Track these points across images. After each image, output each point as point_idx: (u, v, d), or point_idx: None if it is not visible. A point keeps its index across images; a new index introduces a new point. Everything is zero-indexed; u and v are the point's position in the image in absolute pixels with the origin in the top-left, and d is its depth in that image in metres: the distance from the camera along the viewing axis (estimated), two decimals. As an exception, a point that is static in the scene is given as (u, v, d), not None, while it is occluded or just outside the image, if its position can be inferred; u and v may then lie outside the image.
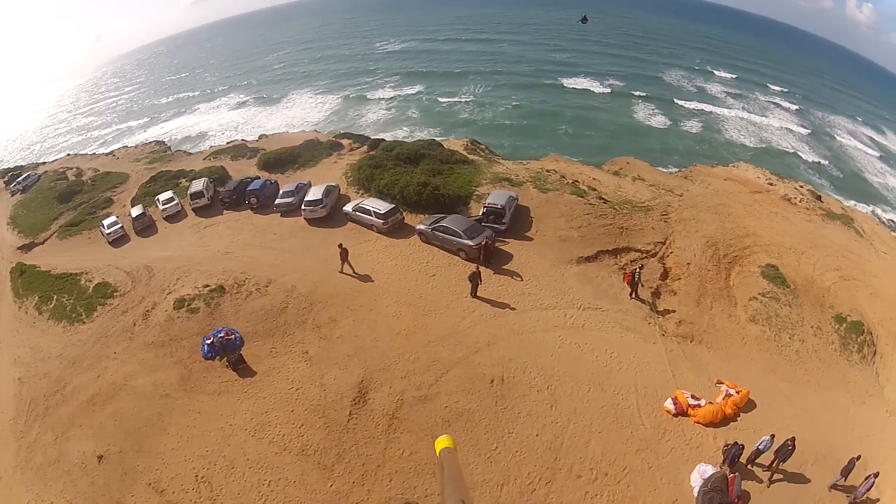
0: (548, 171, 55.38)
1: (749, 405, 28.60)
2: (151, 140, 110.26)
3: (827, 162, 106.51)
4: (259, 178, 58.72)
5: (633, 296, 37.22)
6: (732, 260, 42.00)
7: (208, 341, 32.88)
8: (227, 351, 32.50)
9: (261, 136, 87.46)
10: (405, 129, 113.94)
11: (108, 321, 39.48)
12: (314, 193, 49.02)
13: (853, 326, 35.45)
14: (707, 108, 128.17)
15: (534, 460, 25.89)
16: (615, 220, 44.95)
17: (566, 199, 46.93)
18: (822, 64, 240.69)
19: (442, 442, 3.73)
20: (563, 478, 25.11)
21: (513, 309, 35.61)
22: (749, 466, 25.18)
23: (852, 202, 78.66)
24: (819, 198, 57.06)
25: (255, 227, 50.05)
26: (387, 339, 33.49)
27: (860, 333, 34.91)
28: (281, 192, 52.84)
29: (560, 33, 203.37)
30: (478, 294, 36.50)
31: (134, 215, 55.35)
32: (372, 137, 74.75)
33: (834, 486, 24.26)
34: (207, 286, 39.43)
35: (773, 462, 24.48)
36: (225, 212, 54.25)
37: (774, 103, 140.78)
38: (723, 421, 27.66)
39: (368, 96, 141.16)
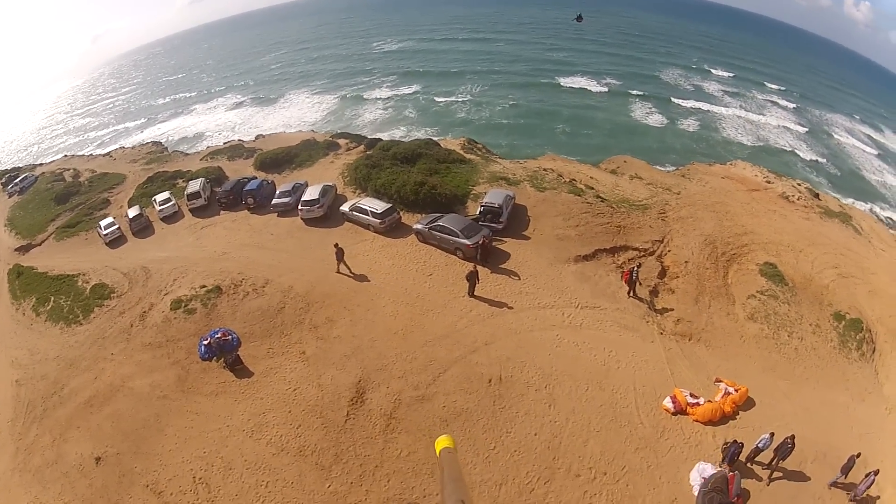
0: (545, 169, 55.31)
1: (748, 403, 28.52)
2: (148, 141, 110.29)
3: (825, 160, 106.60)
4: (256, 178, 58.63)
5: (631, 294, 37.14)
6: (730, 258, 41.95)
7: (205, 342, 32.87)
8: (224, 352, 32.46)
9: (257, 137, 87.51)
10: (402, 128, 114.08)
11: (106, 322, 39.33)
12: (311, 193, 48.88)
13: (852, 324, 35.41)
14: (704, 106, 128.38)
15: (532, 460, 25.79)
16: (613, 218, 44.88)
17: (563, 197, 46.85)
18: (820, 62, 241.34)
19: (442, 442, 3.70)
20: (561, 477, 25.02)
21: (510, 308, 35.49)
22: (748, 465, 25.09)
23: (850, 200, 78.58)
24: (817, 196, 57.06)
25: (252, 227, 49.94)
26: (384, 339, 33.37)
27: (859, 331, 34.88)
28: (278, 192, 52.64)
29: (557, 32, 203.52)
30: (475, 293, 36.37)
31: (131, 216, 55.13)
32: (369, 137, 74.78)
33: (834, 484, 24.19)
34: (204, 287, 39.29)
35: (772, 460, 24.39)
36: (222, 212, 54.13)
37: (772, 101, 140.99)
38: (722, 419, 27.58)
39: (365, 96, 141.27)
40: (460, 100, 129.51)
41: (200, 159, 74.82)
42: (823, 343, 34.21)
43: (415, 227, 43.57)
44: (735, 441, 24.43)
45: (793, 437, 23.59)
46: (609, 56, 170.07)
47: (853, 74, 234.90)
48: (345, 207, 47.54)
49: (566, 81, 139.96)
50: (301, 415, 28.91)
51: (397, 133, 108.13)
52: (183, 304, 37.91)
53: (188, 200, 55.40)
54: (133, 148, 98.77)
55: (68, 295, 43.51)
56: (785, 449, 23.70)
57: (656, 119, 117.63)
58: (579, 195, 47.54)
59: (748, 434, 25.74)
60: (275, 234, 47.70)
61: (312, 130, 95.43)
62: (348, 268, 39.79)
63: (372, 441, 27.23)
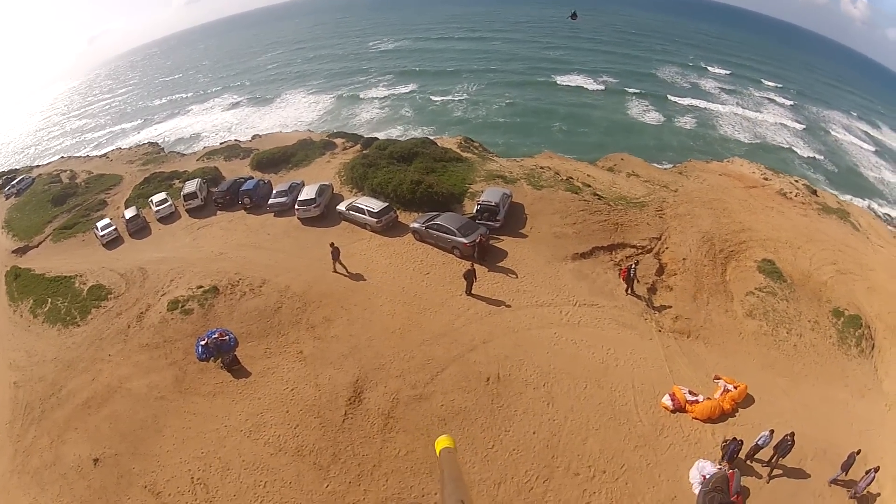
0: (542, 167, 55.22)
1: (747, 400, 28.49)
2: (145, 142, 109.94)
3: (822, 157, 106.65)
4: (252, 178, 58.57)
5: (629, 292, 37.11)
6: (728, 255, 41.92)
7: (202, 342, 32.78)
8: (222, 352, 32.38)
9: (254, 137, 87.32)
10: (399, 127, 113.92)
11: (103, 324, 39.22)
12: (308, 193, 48.83)
13: (851, 320, 35.38)
14: (701, 104, 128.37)
15: (531, 458, 25.73)
16: (610, 216, 44.83)
17: (560, 195, 46.80)
18: (817, 59, 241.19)
19: (442, 442, 3.70)
20: (560, 476, 24.96)
21: (508, 306, 35.43)
22: (748, 462, 25.04)
23: (848, 197, 78.54)
24: (815, 192, 57.03)
25: (249, 227, 49.83)
26: (381, 338, 33.30)
27: (858, 327, 34.84)
28: (274, 191, 52.53)
29: (553, 31, 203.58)
30: (473, 292, 36.31)
31: (127, 217, 55.00)
32: (365, 136, 74.58)
33: (834, 481, 24.15)
34: (201, 287, 39.20)
35: (772, 457, 24.36)
36: (218, 212, 54.03)
37: (769, 99, 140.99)
38: (721, 416, 27.53)
39: (362, 95, 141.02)
40: (457, 99, 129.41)
41: (197, 160, 74.62)
42: (822, 340, 34.18)
43: (412, 225, 43.48)
44: (734, 438, 24.41)
45: (792, 434, 23.55)
46: (605, 54, 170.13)
47: (850, 71, 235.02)
48: (341, 207, 47.43)
49: (562, 80, 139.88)
50: (299, 415, 28.83)
51: (394, 132, 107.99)
52: (180, 305, 37.82)
53: (185, 201, 55.29)
54: (130, 149, 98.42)
55: (65, 296, 43.37)
56: (785, 446, 23.66)
57: (653, 117, 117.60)
58: (576, 193, 47.47)
59: (748, 431, 25.69)
60: (271, 234, 47.59)
61: (309, 130, 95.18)
62: (344, 267, 39.75)
63: (370, 440, 27.16)
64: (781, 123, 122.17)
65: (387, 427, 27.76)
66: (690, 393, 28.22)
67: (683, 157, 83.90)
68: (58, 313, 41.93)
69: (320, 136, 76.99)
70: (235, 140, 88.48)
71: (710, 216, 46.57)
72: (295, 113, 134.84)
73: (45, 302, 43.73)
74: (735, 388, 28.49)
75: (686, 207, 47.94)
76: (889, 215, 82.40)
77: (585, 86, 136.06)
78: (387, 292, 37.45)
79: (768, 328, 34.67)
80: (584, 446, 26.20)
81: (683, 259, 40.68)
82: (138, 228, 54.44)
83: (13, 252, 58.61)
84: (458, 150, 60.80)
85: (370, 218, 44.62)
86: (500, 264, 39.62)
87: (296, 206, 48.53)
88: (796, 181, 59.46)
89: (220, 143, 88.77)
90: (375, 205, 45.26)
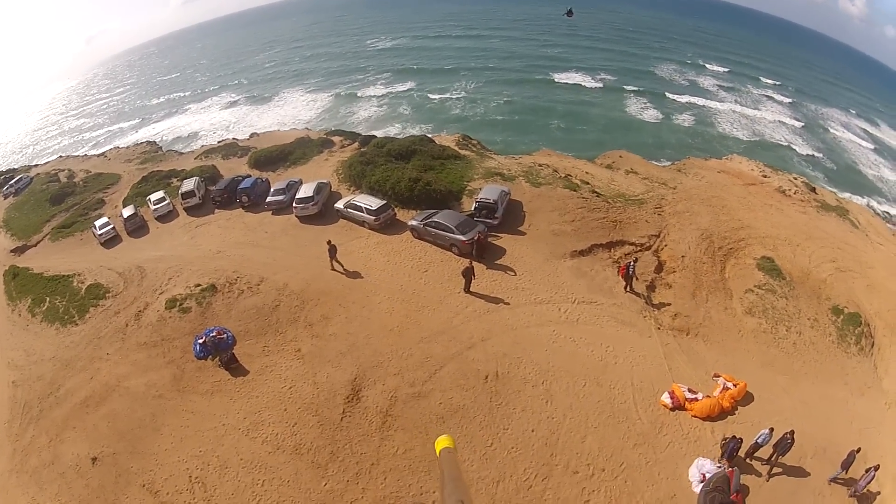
0: (540, 165, 55.11)
1: (747, 398, 28.43)
2: (143, 141, 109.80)
3: (821, 154, 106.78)
4: (250, 176, 58.51)
5: (628, 289, 37.07)
6: (727, 252, 41.87)
7: (200, 341, 32.71)
8: (220, 350, 32.31)
9: (252, 135, 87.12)
10: (397, 125, 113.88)
11: (101, 322, 39.18)
12: (305, 191, 48.73)
13: (850, 318, 35.34)
14: (699, 101, 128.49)
15: (530, 456, 25.67)
16: (609, 213, 44.77)
17: (559, 193, 46.72)
18: (815, 57, 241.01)
19: (442, 442, 3.71)
20: (559, 474, 24.89)
21: (506, 304, 35.35)
22: (748, 460, 24.97)
23: (847, 194, 78.55)
24: (813, 190, 56.93)
25: (247, 225, 49.74)
26: (379, 336, 33.22)
27: (857, 325, 34.80)
28: (272, 189, 52.53)
29: (551, 29, 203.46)
30: (471, 289, 36.23)
31: (125, 216, 54.92)
32: (363, 134, 74.46)
33: (834, 480, 24.09)
34: (199, 285, 39.14)
35: (772, 456, 24.29)
36: (216, 211, 53.91)
37: (767, 96, 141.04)
38: (720, 414, 27.45)
39: (359, 94, 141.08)
40: (455, 97, 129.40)
41: (195, 158, 74.53)
42: (822, 337, 34.15)
43: (410, 223, 43.38)
44: (734, 436, 24.34)
45: (792, 432, 23.49)
46: (603, 52, 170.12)
47: (849, 69, 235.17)
48: (339, 205, 47.31)
49: (560, 77, 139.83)
50: (297, 413, 28.77)
51: (392, 130, 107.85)
52: (178, 303, 37.78)
53: (183, 199, 55.25)
54: (128, 148, 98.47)
55: (64, 295, 43.33)
56: (784, 444, 23.60)
57: (651, 114, 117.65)
58: (575, 190, 47.38)
59: (747, 429, 25.63)
60: (269, 232, 47.51)
61: (307, 128, 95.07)
62: (341, 264, 39.69)
63: (368, 439, 27.09)
64: (780, 121, 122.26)
65: (385, 425, 27.69)
66: (690, 391, 28.16)
67: (682, 154, 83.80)
68: (56, 312, 41.89)
69: (318, 134, 76.90)
70: (233, 138, 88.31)
71: (708, 213, 46.52)
72: (293, 111, 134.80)
73: (43, 301, 43.68)
74: (734, 385, 28.44)
75: (685, 205, 47.87)
76: (888, 213, 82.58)
77: (583, 83, 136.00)
78: (385, 290, 37.36)
79: (768, 326, 34.63)
80: (582, 444, 26.14)
81: (682, 256, 40.63)
82: (136, 227, 54.38)
83: (11, 251, 58.67)
84: (456, 148, 60.67)
85: (368, 216, 44.52)
86: (498, 262, 39.54)
87: (294, 205, 48.47)
88: (795, 178, 59.37)
89: (218, 142, 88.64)
90: (373, 202, 45.15)
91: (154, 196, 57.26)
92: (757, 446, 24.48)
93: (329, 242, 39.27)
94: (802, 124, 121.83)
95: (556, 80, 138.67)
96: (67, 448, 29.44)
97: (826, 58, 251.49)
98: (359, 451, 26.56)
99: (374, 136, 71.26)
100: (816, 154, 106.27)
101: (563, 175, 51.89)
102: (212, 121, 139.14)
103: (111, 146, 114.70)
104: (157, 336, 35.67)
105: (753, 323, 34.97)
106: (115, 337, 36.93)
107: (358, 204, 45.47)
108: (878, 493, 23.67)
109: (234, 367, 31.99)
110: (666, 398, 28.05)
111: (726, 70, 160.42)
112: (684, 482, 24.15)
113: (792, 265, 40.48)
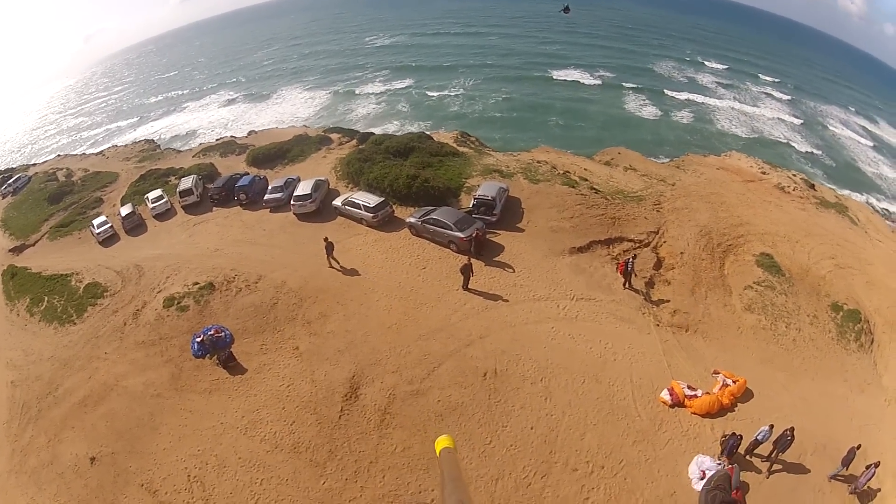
0: (538, 162, 55.02)
1: (746, 395, 28.39)
2: (141, 139, 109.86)
3: (820, 151, 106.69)
4: (248, 174, 58.31)
5: (627, 286, 36.99)
6: (726, 249, 41.80)
7: (198, 339, 32.50)
8: (218, 349, 32.15)
9: (250, 133, 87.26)
10: (395, 122, 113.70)
11: (99, 321, 39.09)
12: (303, 188, 48.62)
13: (850, 315, 35.29)
14: (698, 98, 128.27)
15: (529, 454, 25.60)
16: (607, 210, 44.70)
17: (557, 189, 46.64)
18: (815, 55, 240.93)
19: (442, 442, 3.67)
20: (558, 471, 24.84)
21: (505, 301, 35.28)
22: (748, 457, 24.95)
23: (846, 191, 78.68)
24: (813, 186, 56.90)
25: (245, 223, 49.63)
26: (378, 334, 33.12)
27: (857, 322, 34.74)
28: (270, 187, 52.42)
29: (549, 26, 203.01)
30: (469, 286, 36.16)
31: (123, 214, 54.95)
32: (361, 131, 74.63)
33: (834, 477, 24.07)
34: (197, 284, 39.04)
35: (771, 452, 24.25)
36: (214, 209, 53.89)
37: (766, 93, 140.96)
38: (720, 411, 27.42)
39: (358, 91, 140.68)
40: (453, 94, 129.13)
41: (193, 156, 74.57)
42: (821, 334, 34.09)
43: (408, 220, 43.26)
44: (734, 433, 24.29)
45: (792, 429, 23.44)
46: (602, 49, 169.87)
47: (848, 66, 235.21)
48: (337, 202, 47.19)
49: (559, 74, 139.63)
50: (295, 411, 28.69)
51: (390, 127, 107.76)
52: (176, 302, 37.68)
53: (180, 197, 55.27)
54: (126, 146, 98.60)
55: (62, 295, 43.24)
56: (784, 441, 23.56)
57: (650, 111, 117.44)
58: (573, 187, 47.33)
59: (747, 426, 25.61)
60: (267, 230, 47.40)
61: (305, 126, 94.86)
62: (337, 262, 39.62)
63: (366, 437, 27.01)
64: (779, 118, 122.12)
65: (383, 423, 27.61)
66: (689, 387, 28.12)
67: (681, 151, 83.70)
68: (54, 311, 41.82)
69: (316, 131, 76.93)
70: (231, 136, 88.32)
71: (707, 210, 46.44)
72: (291, 109, 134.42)
73: (41, 300, 43.61)
74: (734, 382, 28.40)
75: (684, 201, 47.80)
76: (887, 210, 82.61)
77: (582, 80, 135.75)
78: (383, 287, 37.26)
79: (767, 322, 34.56)
80: (582, 441, 26.08)
81: (681, 253, 40.56)
82: (134, 225, 54.40)
83: (10, 251, 58.61)
84: (454, 145, 60.65)
85: (366, 213, 44.42)
86: (496, 259, 39.45)
87: (292, 202, 48.38)
88: (794, 175, 59.28)
89: (216, 140, 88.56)
90: (371, 200, 45.05)
91: (152, 194, 57.20)
92: (757, 443, 24.44)
93: (326, 239, 39.10)
94: (801, 121, 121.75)
95: (554, 77, 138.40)
96: (66, 448, 29.35)
97: (825, 55, 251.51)
98: (357, 449, 26.47)
99: (373, 133, 71.52)
100: (815, 151, 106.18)
101: (561, 172, 51.81)
102: (210, 119, 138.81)
103: (109, 145, 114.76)
104: (155, 335, 35.56)
105: (753, 319, 34.90)
106: (113, 336, 36.83)
107: (356, 201, 45.37)
108: (879, 489, 23.64)
109: (232, 365, 31.89)
110: (665, 395, 28.00)
111: (725, 67, 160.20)
112: (684, 479, 24.10)
113: (791, 262, 40.42)
